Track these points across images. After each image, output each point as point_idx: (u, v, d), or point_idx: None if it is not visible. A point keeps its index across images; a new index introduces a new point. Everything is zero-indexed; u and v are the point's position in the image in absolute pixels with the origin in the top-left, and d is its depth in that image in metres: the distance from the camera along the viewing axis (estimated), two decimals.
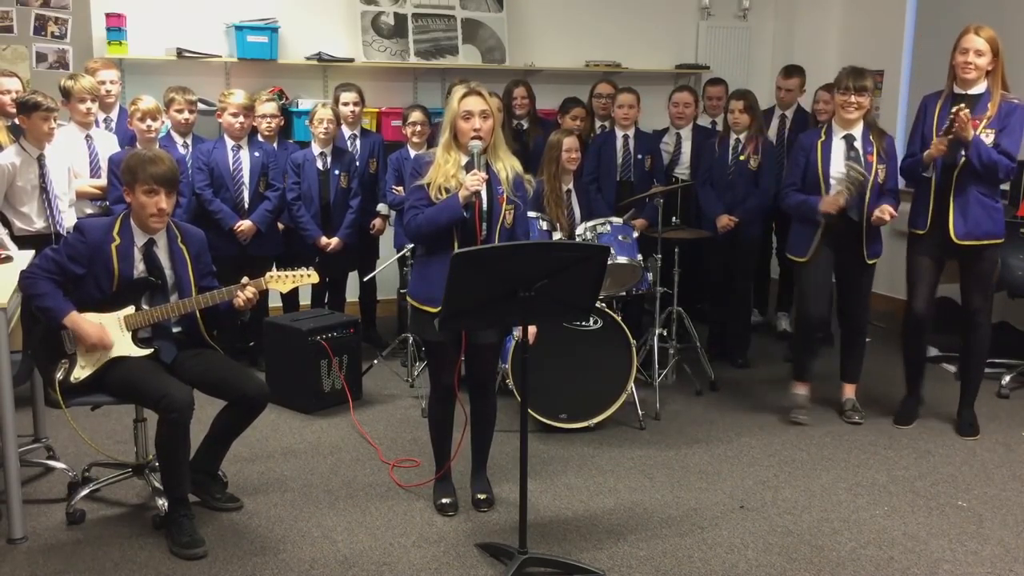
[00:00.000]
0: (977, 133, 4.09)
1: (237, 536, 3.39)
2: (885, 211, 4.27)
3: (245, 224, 5.12)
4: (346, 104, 5.56)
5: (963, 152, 4.12)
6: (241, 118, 5.10)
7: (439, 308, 3.02)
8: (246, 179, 5.16)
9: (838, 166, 4.36)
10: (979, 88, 4.18)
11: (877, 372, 5.26)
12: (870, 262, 4.47)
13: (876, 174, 4.33)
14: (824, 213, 4.32)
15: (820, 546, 3.37)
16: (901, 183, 4.51)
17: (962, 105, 4.03)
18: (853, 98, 4.29)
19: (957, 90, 4.22)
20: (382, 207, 5.63)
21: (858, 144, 4.36)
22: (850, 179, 4.24)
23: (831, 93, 5.48)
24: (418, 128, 5.39)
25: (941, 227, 4.25)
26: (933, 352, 5.25)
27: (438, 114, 5.23)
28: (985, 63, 4.11)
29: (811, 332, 4.65)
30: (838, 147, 4.39)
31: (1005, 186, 5.57)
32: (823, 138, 4.43)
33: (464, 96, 3.37)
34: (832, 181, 4.37)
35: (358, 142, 5.66)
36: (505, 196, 3.42)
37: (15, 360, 3.40)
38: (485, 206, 3.36)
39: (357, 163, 5.53)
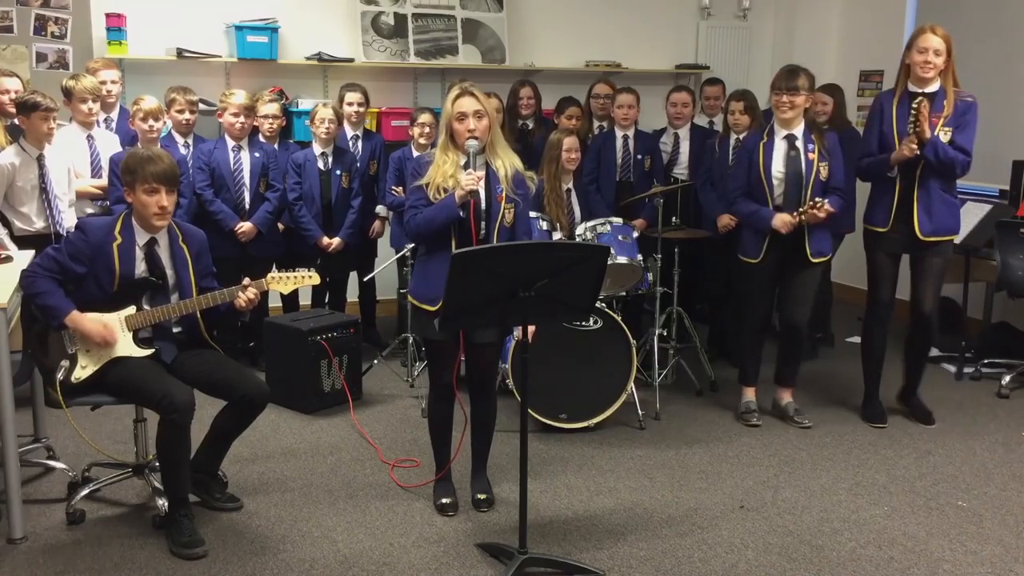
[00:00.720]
0: (936, 131, 4.17)
1: (237, 536, 3.39)
2: (821, 207, 4.21)
3: (246, 226, 5.12)
4: (351, 104, 5.57)
5: (918, 150, 4.18)
6: (242, 118, 5.10)
7: (438, 307, 3.02)
8: (247, 179, 5.16)
9: (778, 165, 4.37)
10: (933, 87, 4.25)
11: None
12: (815, 261, 4.43)
13: (818, 172, 4.35)
14: (774, 229, 4.32)
15: (820, 546, 3.38)
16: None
17: (921, 98, 4.11)
18: (785, 97, 4.30)
19: (913, 88, 4.28)
20: (380, 209, 5.63)
21: (799, 143, 4.37)
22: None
23: (830, 94, 5.51)
24: (427, 130, 5.37)
25: (905, 224, 4.31)
26: (934, 352, 5.24)
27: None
28: (942, 62, 4.18)
29: (758, 336, 4.66)
30: (779, 147, 4.40)
31: (1004, 185, 5.61)
32: (765, 139, 4.44)
33: (457, 97, 3.38)
34: (774, 181, 4.38)
35: (360, 143, 5.66)
36: (504, 194, 3.42)
37: (15, 360, 3.40)
38: (483, 205, 3.37)
39: (358, 164, 5.54)
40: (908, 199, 4.31)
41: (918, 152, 4.16)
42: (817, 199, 4.24)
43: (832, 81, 5.76)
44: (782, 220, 4.30)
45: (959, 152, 4.20)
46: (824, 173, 4.36)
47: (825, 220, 4.28)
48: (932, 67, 4.17)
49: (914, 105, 4.10)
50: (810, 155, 4.35)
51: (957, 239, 4.54)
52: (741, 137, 5.29)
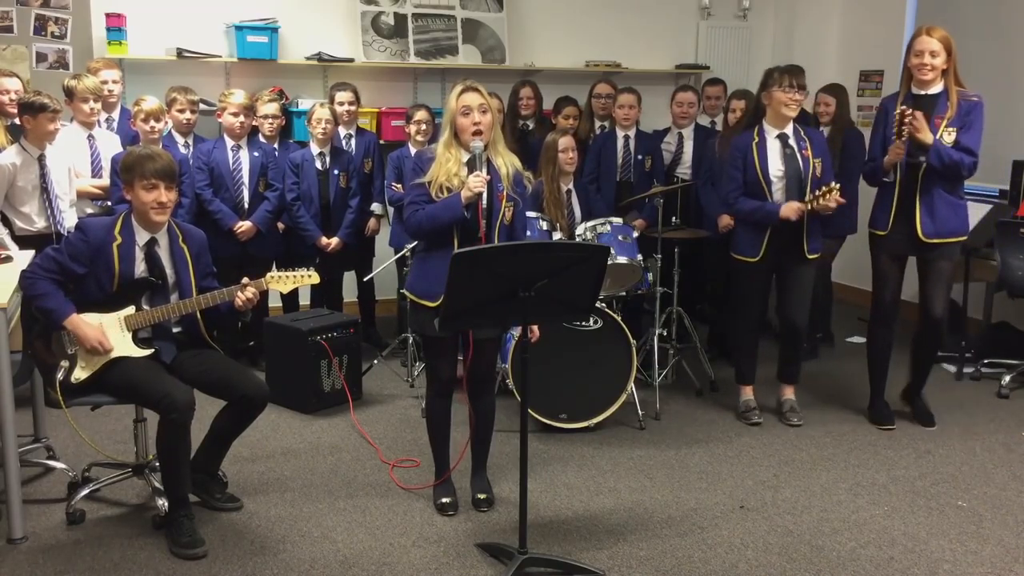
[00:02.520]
0: (940, 133, 4.16)
1: (237, 536, 3.39)
2: (833, 195, 4.20)
3: (245, 225, 5.12)
4: (341, 104, 5.57)
5: (922, 157, 4.16)
6: (242, 118, 5.11)
7: (437, 303, 3.02)
8: (246, 179, 5.16)
9: (776, 164, 4.37)
10: (936, 88, 4.23)
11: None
12: (811, 257, 4.44)
13: (814, 168, 4.35)
14: (783, 219, 4.32)
15: (820, 546, 3.38)
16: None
17: (905, 107, 4.10)
18: (797, 95, 4.30)
19: (915, 91, 4.27)
20: (376, 207, 5.63)
21: (792, 142, 4.38)
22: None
23: (832, 95, 5.51)
24: (423, 127, 5.39)
25: (907, 226, 4.29)
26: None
27: (439, 114, 5.24)
28: (940, 63, 4.16)
29: (753, 335, 4.67)
30: (773, 146, 4.40)
31: (1004, 185, 5.61)
32: (756, 139, 4.43)
33: (462, 92, 3.39)
34: (773, 179, 4.38)
35: (353, 141, 5.66)
36: (505, 193, 3.43)
37: (15, 360, 3.40)
38: (485, 204, 3.37)
39: (354, 163, 5.54)
40: (909, 202, 4.28)
41: (901, 154, 4.14)
42: (832, 184, 4.23)
43: (832, 81, 5.76)
44: (791, 208, 4.29)
45: (964, 153, 4.16)
46: (819, 170, 4.37)
47: (835, 210, 4.27)
48: (929, 69, 4.16)
49: (896, 113, 4.11)
50: (804, 152, 4.36)
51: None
52: None
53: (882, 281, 4.49)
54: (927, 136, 4.12)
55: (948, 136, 4.17)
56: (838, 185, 4.23)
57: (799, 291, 4.50)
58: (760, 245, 4.43)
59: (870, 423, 4.60)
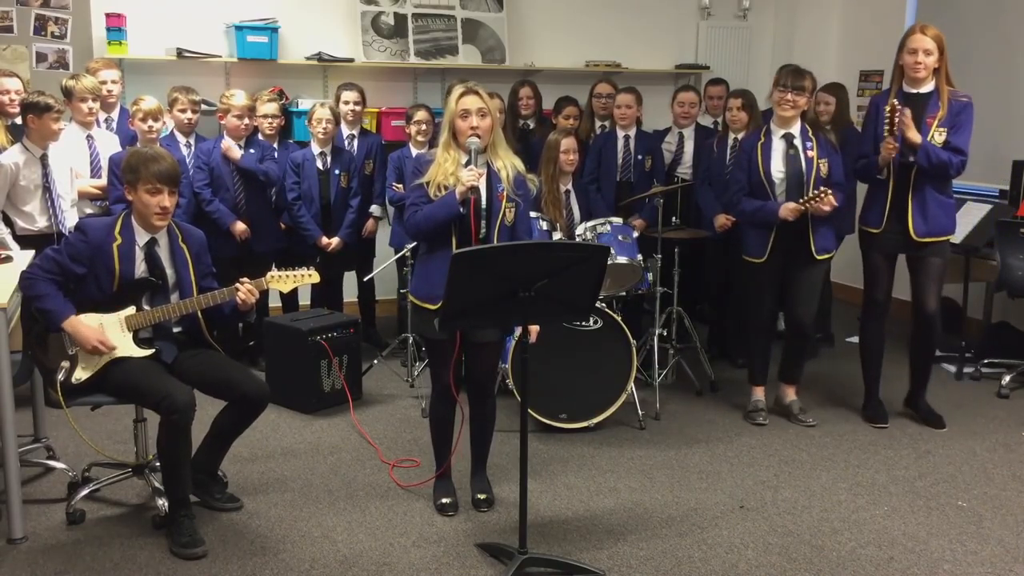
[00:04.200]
0: (931, 133, 4.18)
1: (237, 536, 3.39)
2: (825, 197, 4.20)
3: (241, 226, 5.12)
4: (347, 103, 5.56)
5: (911, 157, 4.18)
6: (246, 120, 5.11)
7: (438, 306, 3.02)
8: (243, 179, 5.16)
9: (778, 165, 4.38)
10: (928, 87, 4.24)
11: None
12: (819, 258, 4.45)
13: (818, 169, 4.35)
14: (783, 220, 4.32)
15: (820, 546, 3.37)
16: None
17: (894, 102, 4.11)
18: (790, 96, 4.31)
19: (907, 89, 4.28)
20: (375, 208, 5.63)
21: (797, 142, 4.38)
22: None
23: (832, 95, 5.51)
24: (423, 127, 5.39)
25: (900, 224, 4.31)
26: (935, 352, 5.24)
27: (439, 114, 5.23)
28: (933, 62, 4.17)
29: (765, 334, 4.67)
30: (778, 146, 4.41)
31: (1005, 185, 5.61)
32: (762, 139, 4.44)
33: (462, 95, 3.38)
34: (775, 180, 4.38)
35: (356, 142, 5.66)
36: (505, 194, 3.43)
37: (15, 360, 3.40)
38: (484, 203, 3.38)
39: (355, 163, 5.53)
40: (902, 200, 4.30)
41: (894, 151, 4.15)
42: (823, 188, 4.24)
43: (832, 81, 5.76)
44: (788, 208, 4.30)
45: (954, 153, 4.19)
46: (824, 170, 4.37)
47: (829, 212, 4.27)
48: (923, 67, 4.17)
49: (887, 109, 4.11)
50: (808, 152, 4.36)
51: (955, 239, 4.54)
52: (739, 136, 5.30)
53: (874, 279, 4.51)
54: (914, 135, 4.13)
55: (939, 136, 4.19)
56: (828, 189, 4.23)
57: (806, 290, 4.50)
58: (766, 245, 4.44)
59: (864, 422, 4.60)
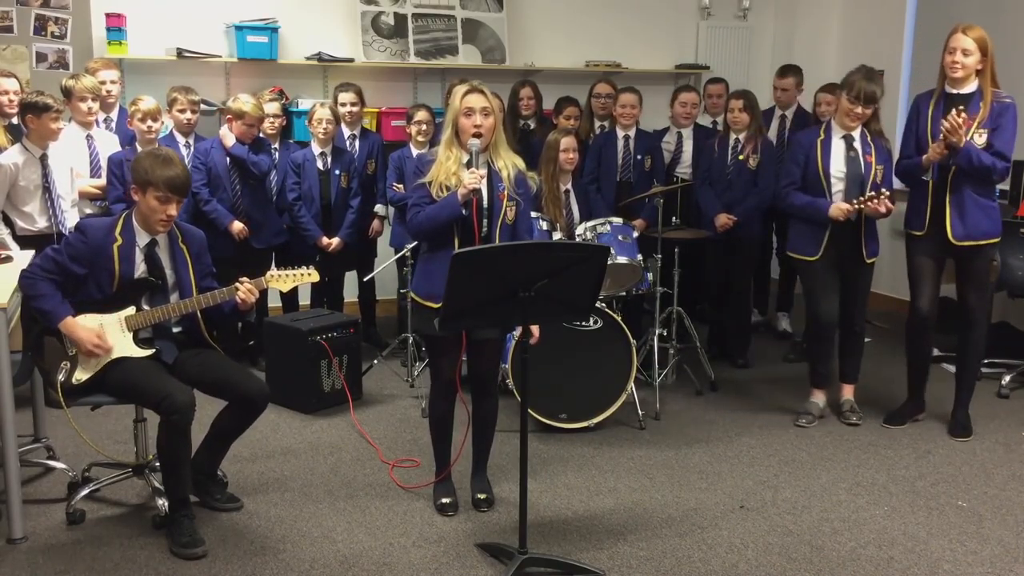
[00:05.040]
0: (970, 134, 4.12)
1: (237, 536, 3.39)
2: (882, 200, 4.19)
3: (238, 225, 5.12)
4: (343, 104, 5.56)
5: (951, 160, 4.14)
6: (255, 129, 5.13)
7: (439, 304, 3.02)
8: (239, 180, 5.15)
9: (838, 165, 4.36)
10: (970, 87, 4.20)
11: (877, 372, 5.28)
12: (869, 261, 4.46)
13: (875, 175, 4.34)
14: (833, 219, 4.31)
15: (820, 546, 3.38)
16: (898, 183, 4.51)
17: (962, 108, 4.04)
18: (860, 109, 4.29)
19: (949, 89, 4.25)
20: (379, 208, 5.63)
21: (857, 144, 4.37)
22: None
23: (832, 94, 5.50)
24: (423, 127, 5.39)
25: (939, 227, 4.26)
26: (934, 352, 5.24)
27: (439, 115, 5.23)
28: (973, 62, 4.13)
29: (826, 334, 4.60)
30: (838, 146, 4.39)
31: (1005, 186, 5.60)
32: (822, 136, 4.43)
33: (466, 93, 3.39)
34: (833, 180, 4.37)
35: (357, 142, 5.66)
36: (506, 193, 3.43)
37: (15, 360, 3.40)
38: (485, 203, 3.38)
39: (355, 163, 5.54)
40: (941, 202, 4.25)
41: (943, 154, 4.11)
42: (882, 189, 4.21)
43: (832, 81, 5.76)
44: (839, 208, 4.27)
45: (997, 158, 4.12)
46: (880, 176, 4.35)
47: (885, 214, 4.25)
48: (960, 67, 4.12)
49: (951, 115, 4.03)
50: (868, 157, 4.35)
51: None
52: (740, 136, 5.30)
53: (917, 283, 4.43)
54: (959, 138, 4.06)
55: (979, 137, 4.13)
56: (887, 192, 4.20)
57: (858, 294, 4.52)
58: (820, 243, 4.42)
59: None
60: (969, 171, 4.13)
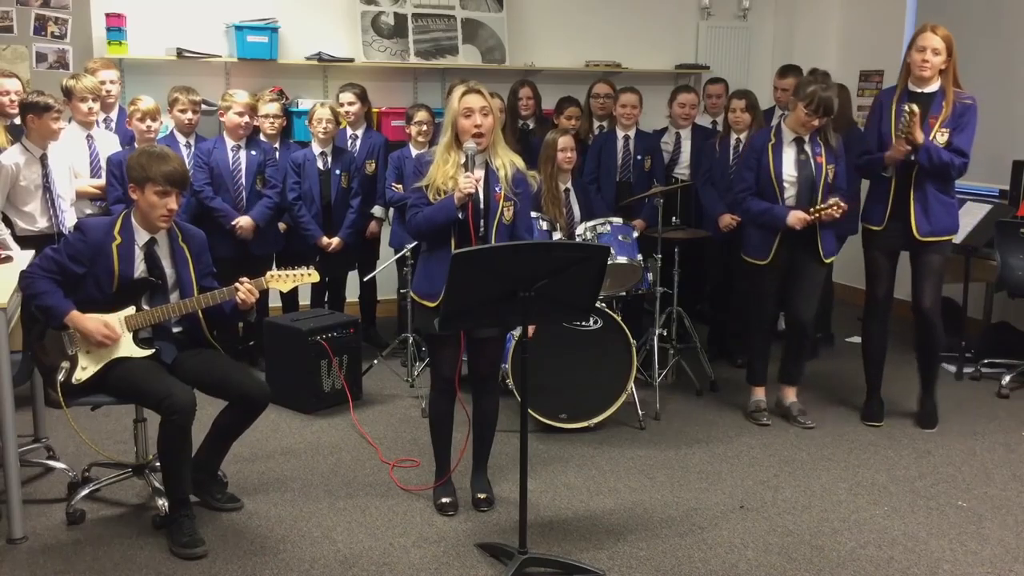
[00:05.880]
0: (933, 133, 4.17)
1: (237, 536, 3.39)
2: (837, 207, 4.21)
3: (244, 219, 5.10)
4: (343, 105, 5.57)
5: (912, 156, 4.17)
6: (247, 118, 5.11)
7: (439, 303, 3.03)
8: (244, 179, 5.16)
9: (789, 169, 4.37)
10: (933, 87, 4.24)
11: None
12: (827, 261, 4.46)
13: (826, 175, 4.35)
14: (790, 227, 4.32)
15: (820, 546, 3.38)
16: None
17: (913, 106, 4.09)
18: (816, 122, 4.28)
19: (912, 88, 4.28)
20: (377, 209, 5.63)
21: (807, 147, 4.37)
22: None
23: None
24: (424, 128, 5.38)
25: (902, 223, 4.31)
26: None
27: (439, 115, 5.22)
28: (940, 62, 4.17)
29: (766, 335, 4.67)
30: (789, 150, 4.39)
31: (1005, 185, 5.61)
32: (773, 141, 4.41)
33: (465, 94, 3.39)
34: (785, 184, 4.37)
35: (358, 142, 5.66)
36: (503, 193, 3.43)
37: (15, 360, 3.40)
38: (481, 204, 3.39)
39: (356, 163, 5.53)
40: (904, 198, 4.31)
41: (910, 154, 4.15)
42: (835, 198, 4.24)
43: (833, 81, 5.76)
44: (797, 217, 4.29)
45: (956, 154, 4.18)
46: (831, 176, 4.36)
47: (841, 219, 4.28)
48: (929, 66, 4.17)
49: (906, 109, 4.09)
50: (818, 159, 4.35)
51: (956, 239, 4.53)
52: (742, 136, 5.30)
53: (875, 277, 4.50)
54: (919, 135, 4.12)
55: (941, 137, 4.19)
56: (838, 200, 4.23)
57: (808, 291, 4.49)
58: (770, 248, 4.43)
59: (860, 420, 4.60)
60: (929, 168, 4.18)
